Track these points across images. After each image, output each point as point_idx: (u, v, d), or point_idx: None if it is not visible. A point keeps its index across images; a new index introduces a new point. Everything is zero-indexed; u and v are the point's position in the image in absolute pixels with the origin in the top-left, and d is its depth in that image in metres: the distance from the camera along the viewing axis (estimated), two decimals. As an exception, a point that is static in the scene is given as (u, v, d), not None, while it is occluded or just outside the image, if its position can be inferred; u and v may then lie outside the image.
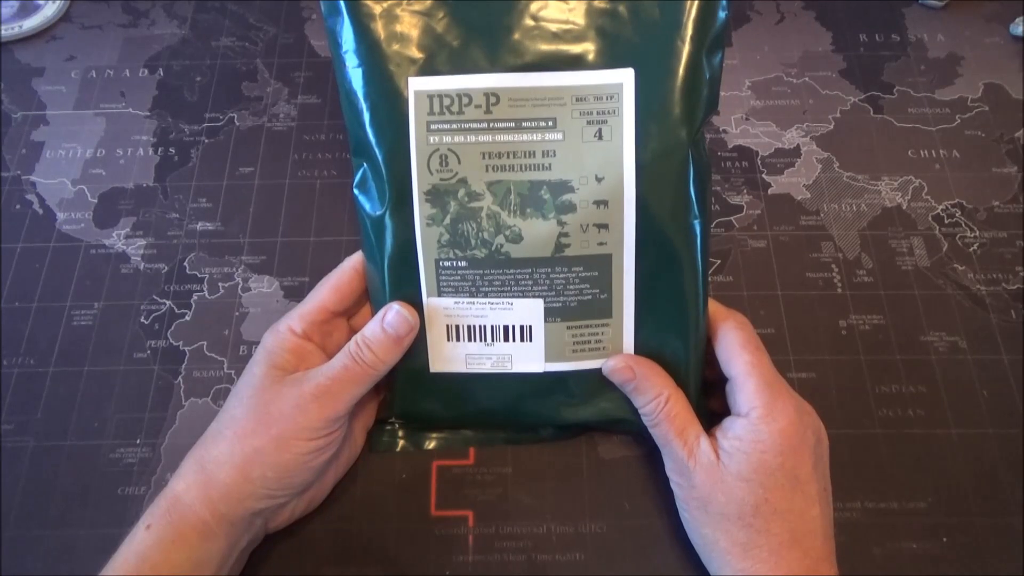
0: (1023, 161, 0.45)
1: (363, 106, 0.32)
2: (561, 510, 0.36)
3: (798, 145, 0.46)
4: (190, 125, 0.48)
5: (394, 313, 0.32)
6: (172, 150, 0.47)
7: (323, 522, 0.35)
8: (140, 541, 0.29)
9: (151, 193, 0.45)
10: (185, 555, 0.29)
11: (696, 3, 0.31)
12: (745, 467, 0.30)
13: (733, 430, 0.31)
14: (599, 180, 0.31)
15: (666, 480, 0.36)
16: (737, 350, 0.32)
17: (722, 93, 0.48)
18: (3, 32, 0.51)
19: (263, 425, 0.30)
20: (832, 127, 0.47)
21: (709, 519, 0.31)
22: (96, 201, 0.45)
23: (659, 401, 0.32)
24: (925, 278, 0.41)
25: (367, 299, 0.35)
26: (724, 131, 0.47)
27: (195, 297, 0.42)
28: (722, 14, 0.31)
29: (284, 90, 0.49)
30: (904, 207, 0.44)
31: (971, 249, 0.42)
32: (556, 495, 0.36)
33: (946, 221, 0.43)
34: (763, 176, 0.45)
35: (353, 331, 0.35)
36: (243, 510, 0.30)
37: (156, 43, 0.51)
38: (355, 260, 0.35)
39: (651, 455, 0.37)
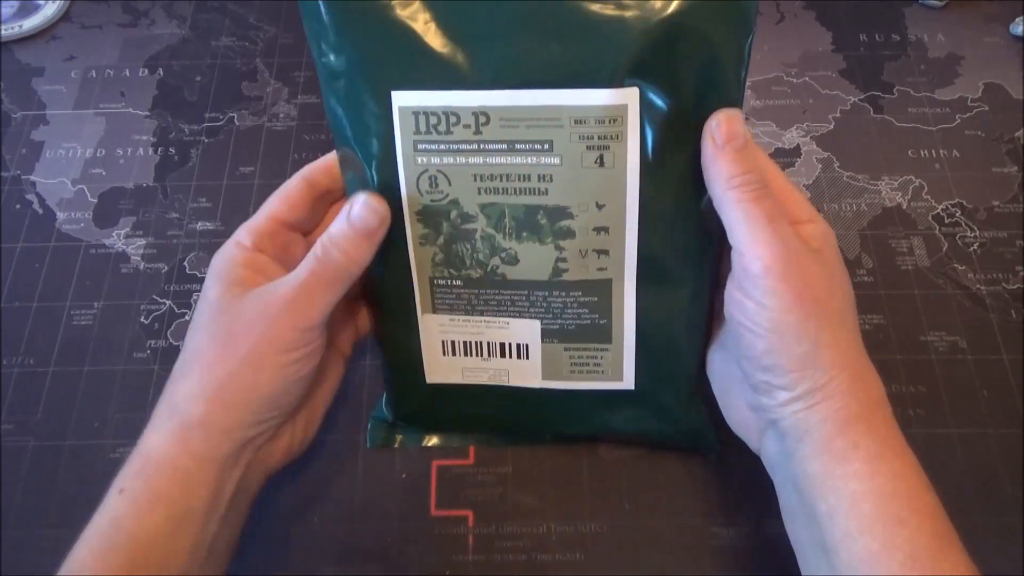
0: (1023, 161, 0.45)
1: (347, 120, 0.29)
2: (561, 510, 0.36)
3: (798, 145, 0.46)
4: (190, 125, 0.48)
5: (360, 205, 0.28)
6: (172, 150, 0.47)
7: (323, 522, 0.35)
8: (112, 508, 0.27)
9: (151, 193, 0.45)
10: (163, 515, 0.26)
11: (716, 12, 0.27)
12: (836, 263, 0.28)
13: (807, 227, 0.28)
14: (600, 207, 0.29)
15: (666, 480, 0.36)
16: (774, 166, 0.30)
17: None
18: (3, 32, 0.51)
19: (231, 348, 0.28)
20: (832, 127, 0.47)
21: (827, 321, 0.26)
22: (96, 201, 0.45)
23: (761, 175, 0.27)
24: (925, 278, 0.41)
25: (323, 213, 0.33)
26: (724, 131, 0.47)
27: (195, 297, 0.42)
28: (748, 36, 0.28)
29: (284, 90, 0.49)
30: (904, 207, 0.44)
31: (971, 249, 0.42)
32: (556, 495, 0.36)
33: (946, 221, 0.43)
34: (763, 176, 0.45)
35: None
36: (230, 444, 0.28)
37: (156, 43, 0.51)
38: (306, 170, 0.31)
39: (651, 455, 0.37)
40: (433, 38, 0.28)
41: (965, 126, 0.46)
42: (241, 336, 0.28)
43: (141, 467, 0.27)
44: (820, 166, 0.45)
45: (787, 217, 0.28)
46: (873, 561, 0.24)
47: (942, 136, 0.46)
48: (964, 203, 0.44)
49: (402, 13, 0.28)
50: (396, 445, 0.37)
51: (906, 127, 0.47)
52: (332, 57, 0.29)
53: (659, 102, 0.27)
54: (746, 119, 0.47)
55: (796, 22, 0.51)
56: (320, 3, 0.28)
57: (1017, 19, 0.50)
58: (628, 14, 0.27)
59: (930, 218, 0.43)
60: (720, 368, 0.32)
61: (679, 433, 0.35)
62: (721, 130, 0.27)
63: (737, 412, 0.31)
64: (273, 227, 0.31)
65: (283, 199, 0.31)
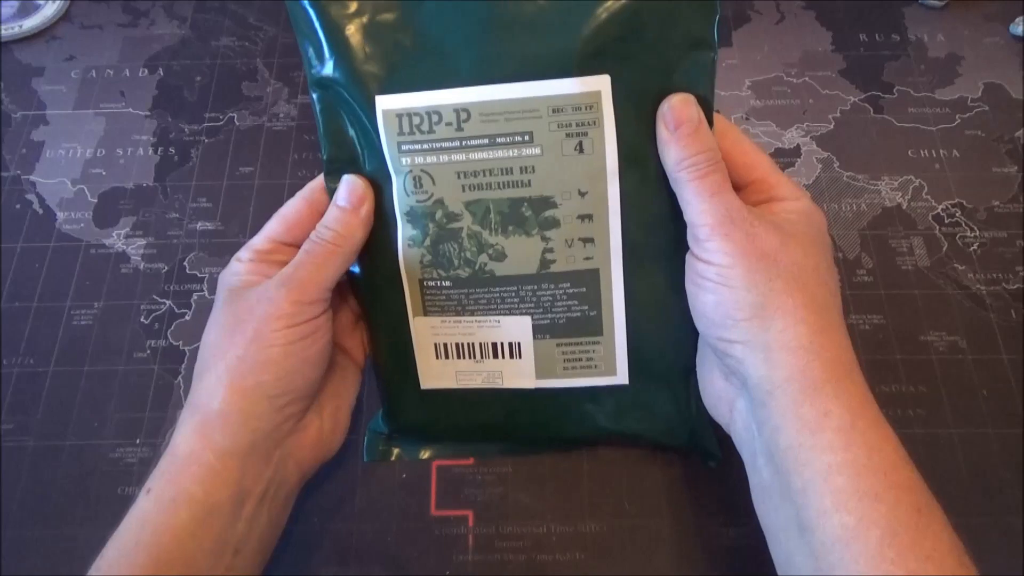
0: (1023, 161, 0.45)
1: (334, 128, 0.31)
2: (561, 510, 0.36)
3: (798, 145, 0.46)
4: (190, 125, 0.48)
5: (343, 185, 0.31)
6: (172, 150, 0.47)
7: (323, 522, 0.35)
8: (140, 507, 0.27)
9: (151, 193, 0.45)
10: (186, 514, 0.27)
11: (673, 4, 0.28)
12: (805, 232, 0.29)
13: (785, 203, 0.30)
14: (582, 194, 0.30)
15: (666, 480, 0.36)
16: (759, 153, 0.31)
17: (722, 93, 0.48)
18: (3, 32, 0.51)
19: (238, 332, 0.29)
20: (832, 127, 0.47)
21: (779, 274, 0.27)
22: (96, 201, 0.45)
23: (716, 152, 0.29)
24: (925, 278, 0.41)
25: None
26: (724, 131, 0.47)
27: (195, 297, 0.42)
28: (712, 19, 0.29)
29: (284, 90, 0.49)
30: (904, 207, 0.44)
31: (971, 249, 0.42)
32: (556, 495, 0.36)
33: (946, 221, 0.43)
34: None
35: None
36: (250, 435, 0.28)
37: (156, 43, 0.51)
38: (306, 189, 0.32)
39: (651, 455, 0.37)
40: (413, 42, 0.29)
41: (965, 126, 0.46)
42: (246, 318, 0.29)
43: (167, 467, 0.28)
44: (820, 166, 0.45)
45: (769, 196, 0.30)
46: (850, 538, 0.24)
47: (942, 136, 0.46)
48: (964, 203, 0.44)
49: (382, 21, 0.29)
50: (393, 459, 0.37)
51: (906, 127, 0.47)
52: (320, 68, 0.30)
53: (631, 87, 0.29)
54: (746, 119, 0.47)
55: (796, 22, 0.51)
56: (311, 13, 0.29)
57: (1017, 19, 0.50)
58: (591, 8, 0.28)
59: (930, 218, 0.43)
60: (700, 349, 0.33)
61: (677, 434, 0.35)
62: (672, 115, 0.29)
63: (711, 385, 0.31)
64: (273, 247, 0.32)
65: (282, 220, 0.32)
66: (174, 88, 0.49)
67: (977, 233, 0.43)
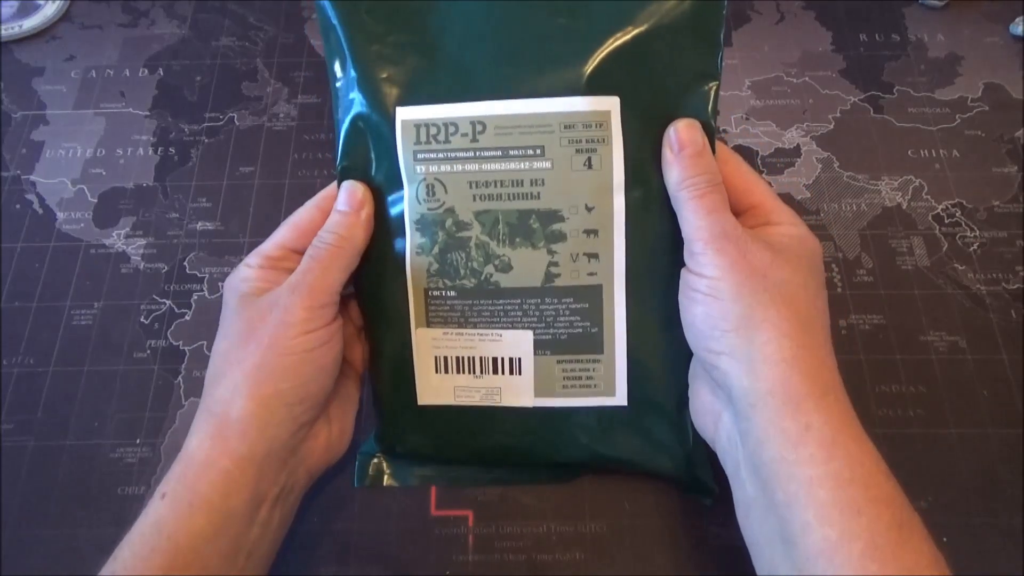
0: (1023, 161, 0.45)
1: (355, 136, 0.31)
2: (561, 510, 0.36)
3: (798, 145, 0.46)
4: (190, 125, 0.48)
5: (343, 191, 0.32)
6: (172, 150, 0.47)
7: (323, 522, 0.35)
8: (155, 511, 0.28)
9: (151, 193, 0.45)
10: (204, 519, 0.27)
11: (684, 33, 0.30)
12: (797, 252, 0.29)
13: (780, 227, 0.30)
14: (589, 209, 0.31)
15: (666, 480, 0.36)
16: (758, 179, 0.32)
17: (722, 93, 0.48)
18: (3, 32, 0.51)
19: (254, 342, 0.29)
20: (832, 127, 0.47)
21: (767, 288, 0.28)
22: (96, 201, 0.45)
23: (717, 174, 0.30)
24: (925, 278, 0.41)
25: None
26: (724, 131, 0.47)
27: (195, 297, 0.42)
28: (716, 54, 0.30)
29: (284, 90, 0.49)
30: (904, 207, 0.44)
31: (971, 249, 0.42)
32: (556, 495, 0.36)
33: (946, 221, 0.43)
34: (763, 176, 0.45)
35: None
36: (266, 443, 0.28)
37: (156, 43, 0.51)
38: (318, 197, 0.33)
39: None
40: (434, 59, 0.31)
41: (965, 126, 0.46)
42: (259, 326, 0.29)
43: (183, 472, 0.28)
44: (820, 166, 0.45)
45: (766, 220, 0.31)
46: (832, 552, 0.24)
47: (942, 136, 0.46)
48: (964, 203, 0.44)
49: (406, 40, 0.31)
50: (384, 484, 0.36)
51: (906, 127, 0.47)
52: (345, 82, 0.31)
53: (639, 110, 0.30)
54: (746, 119, 0.47)
55: (796, 22, 0.51)
56: (340, 33, 0.31)
57: (1017, 19, 0.50)
58: (604, 34, 0.30)
59: (930, 218, 0.43)
60: (691, 366, 0.33)
61: (674, 464, 0.34)
62: (677, 138, 0.30)
63: (699, 400, 0.31)
64: (283, 253, 0.32)
65: (293, 227, 0.32)
66: (174, 88, 0.49)
67: (977, 233, 0.43)
